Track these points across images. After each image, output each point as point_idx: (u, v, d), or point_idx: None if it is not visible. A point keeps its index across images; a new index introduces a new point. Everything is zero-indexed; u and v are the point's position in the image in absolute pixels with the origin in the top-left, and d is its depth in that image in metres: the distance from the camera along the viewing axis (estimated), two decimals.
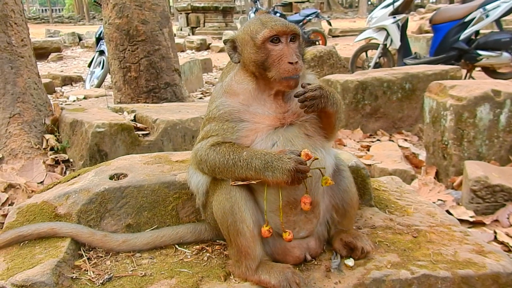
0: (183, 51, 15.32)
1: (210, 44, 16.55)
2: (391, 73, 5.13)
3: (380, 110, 4.99)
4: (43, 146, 3.56)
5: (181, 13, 21.49)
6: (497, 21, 7.01)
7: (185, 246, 1.92)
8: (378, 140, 4.82)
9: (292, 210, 1.69)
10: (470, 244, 1.89)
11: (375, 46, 8.02)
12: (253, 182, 1.59)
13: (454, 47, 6.97)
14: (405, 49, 7.64)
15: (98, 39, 9.01)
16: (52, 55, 14.34)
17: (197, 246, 1.92)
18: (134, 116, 3.80)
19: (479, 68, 7.22)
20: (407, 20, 7.73)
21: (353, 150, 4.34)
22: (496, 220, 2.88)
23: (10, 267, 1.69)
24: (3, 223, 2.12)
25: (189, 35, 19.22)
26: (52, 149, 3.56)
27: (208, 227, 1.94)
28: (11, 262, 1.73)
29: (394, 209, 2.26)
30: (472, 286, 1.68)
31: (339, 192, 1.84)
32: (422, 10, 23.64)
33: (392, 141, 4.75)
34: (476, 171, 3.01)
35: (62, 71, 11.53)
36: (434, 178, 3.59)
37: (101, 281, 1.67)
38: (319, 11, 15.13)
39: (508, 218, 2.86)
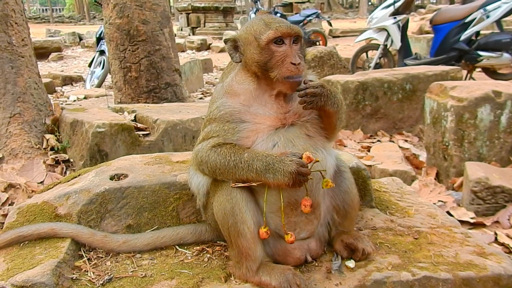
0: (183, 51, 15.33)
1: (210, 44, 16.56)
2: (391, 73, 5.11)
3: (381, 110, 4.99)
4: (44, 146, 3.56)
5: (181, 13, 21.50)
6: (498, 22, 7.01)
7: (185, 247, 1.92)
8: (378, 141, 4.81)
9: (292, 211, 1.69)
10: (471, 246, 1.89)
11: (375, 47, 8.02)
12: (254, 184, 1.59)
13: (455, 47, 6.97)
14: (405, 50, 7.63)
15: (99, 39, 9.02)
16: (53, 55, 14.34)
17: (198, 247, 1.91)
18: (135, 116, 3.80)
19: (479, 69, 7.22)
20: (407, 21, 7.72)
21: (353, 151, 4.33)
22: (497, 222, 2.88)
23: (10, 267, 1.69)
24: (3, 223, 2.11)
25: (189, 35, 19.23)
26: (52, 149, 3.55)
27: (208, 228, 1.93)
28: (11, 263, 1.72)
29: (395, 210, 2.26)
30: None
31: (340, 193, 1.83)
32: (422, 10, 23.64)
33: (393, 142, 4.75)
34: (477, 172, 3.01)
35: (62, 71, 11.52)
36: (435, 179, 3.59)
37: (101, 282, 1.67)
38: (319, 11, 15.14)
39: (508, 219, 2.86)
